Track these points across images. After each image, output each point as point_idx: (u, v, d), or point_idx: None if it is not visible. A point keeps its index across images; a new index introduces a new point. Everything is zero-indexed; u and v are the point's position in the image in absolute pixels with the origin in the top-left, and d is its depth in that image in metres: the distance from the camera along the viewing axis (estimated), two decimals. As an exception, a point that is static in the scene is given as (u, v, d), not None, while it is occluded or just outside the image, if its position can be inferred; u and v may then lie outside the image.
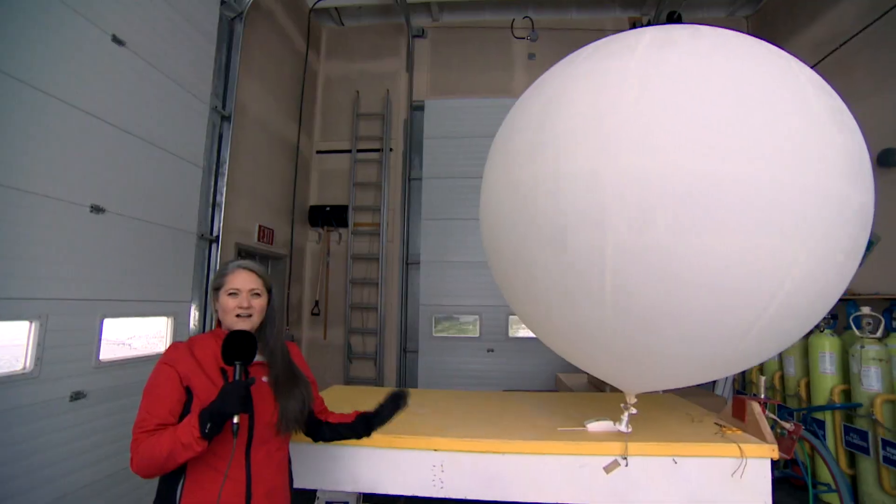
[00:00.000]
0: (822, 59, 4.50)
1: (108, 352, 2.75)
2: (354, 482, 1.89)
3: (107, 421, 2.68)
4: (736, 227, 1.27)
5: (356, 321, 5.83)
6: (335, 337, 5.84)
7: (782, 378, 4.35)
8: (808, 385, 3.97)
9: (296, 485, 1.90)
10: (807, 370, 3.99)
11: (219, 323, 1.38)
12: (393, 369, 5.74)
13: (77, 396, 2.53)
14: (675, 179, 1.26)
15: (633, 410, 1.89)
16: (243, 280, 1.34)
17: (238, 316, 1.31)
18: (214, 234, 3.69)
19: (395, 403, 1.58)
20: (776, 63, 1.41)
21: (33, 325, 2.34)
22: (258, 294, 1.36)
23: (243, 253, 4.49)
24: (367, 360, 5.77)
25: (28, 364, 2.32)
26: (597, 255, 1.38)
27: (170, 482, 1.21)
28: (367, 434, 1.59)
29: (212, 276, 1.36)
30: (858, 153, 1.43)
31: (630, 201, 1.30)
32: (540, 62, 6.09)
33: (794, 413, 4.00)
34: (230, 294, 1.32)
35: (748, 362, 1.70)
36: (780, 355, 4.38)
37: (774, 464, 4.18)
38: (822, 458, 2.72)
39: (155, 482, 1.27)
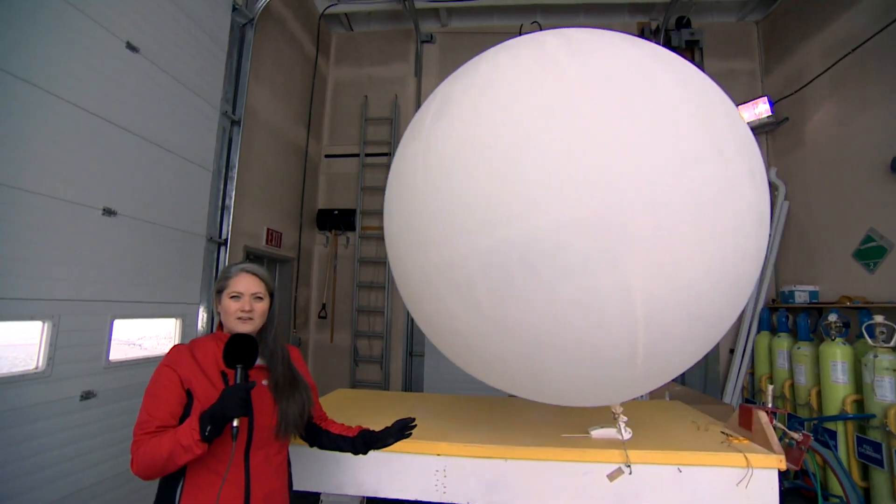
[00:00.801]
0: (834, 63, 4.45)
1: (118, 352, 2.80)
2: (358, 486, 1.89)
3: (116, 421, 2.72)
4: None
5: (363, 325, 5.85)
6: (342, 340, 5.86)
7: (793, 387, 4.28)
8: (819, 394, 3.91)
9: (300, 487, 1.92)
10: (818, 379, 3.93)
11: (220, 325, 1.39)
12: (399, 373, 5.75)
13: (87, 396, 2.57)
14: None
15: (625, 418, 1.87)
16: (246, 284, 1.35)
17: (240, 319, 1.32)
18: (223, 237, 3.73)
19: (400, 433, 1.55)
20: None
21: (46, 325, 2.39)
22: (260, 298, 1.37)
23: (251, 256, 4.53)
24: (374, 363, 5.78)
25: (40, 363, 2.37)
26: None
27: (169, 484, 1.22)
28: (364, 452, 1.56)
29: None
30: None
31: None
32: (548, 67, 6.09)
33: (805, 423, 3.93)
34: (232, 297, 1.33)
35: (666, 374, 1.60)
36: (791, 363, 4.32)
37: (784, 475, 4.12)
38: (832, 469, 2.67)
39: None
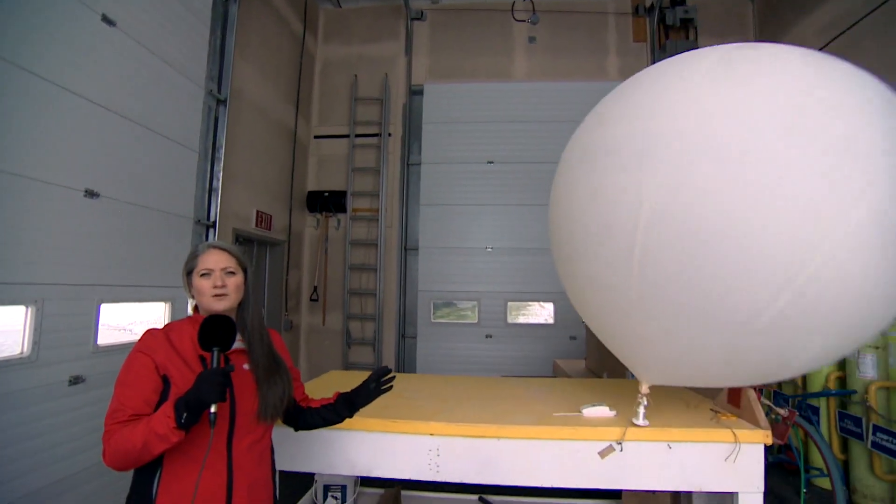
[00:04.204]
0: (828, 43, 4.43)
1: (108, 337, 2.76)
2: (351, 466, 1.90)
3: (105, 406, 2.66)
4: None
5: (355, 307, 5.85)
6: (334, 322, 5.86)
7: (778, 365, 4.38)
8: (803, 372, 4.00)
9: (294, 469, 1.92)
10: (803, 357, 4.01)
11: (195, 308, 1.33)
12: (392, 355, 5.78)
13: (76, 381, 2.54)
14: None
15: (645, 402, 1.85)
16: (215, 259, 1.28)
17: (215, 296, 1.26)
18: (211, 219, 3.67)
19: (378, 387, 1.51)
20: None
21: (30, 309, 2.34)
22: (232, 272, 1.29)
23: (241, 238, 4.47)
24: (366, 345, 5.80)
25: (25, 348, 2.33)
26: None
27: (145, 474, 1.16)
28: (350, 415, 1.52)
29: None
30: None
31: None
32: (540, 45, 5.99)
33: (790, 399, 4.03)
34: (203, 275, 1.26)
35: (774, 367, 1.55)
36: (777, 342, 4.40)
37: (768, 449, 4.23)
38: (816, 443, 2.75)
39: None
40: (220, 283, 1.26)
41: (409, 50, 6.08)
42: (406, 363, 5.89)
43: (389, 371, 1.53)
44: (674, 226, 1.34)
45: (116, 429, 1.10)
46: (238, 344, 1.29)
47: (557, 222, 1.85)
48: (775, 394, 4.30)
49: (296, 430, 1.55)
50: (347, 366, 5.70)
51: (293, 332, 5.66)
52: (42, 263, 2.38)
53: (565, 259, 1.86)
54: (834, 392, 3.62)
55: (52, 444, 2.39)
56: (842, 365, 3.64)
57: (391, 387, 1.55)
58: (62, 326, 2.48)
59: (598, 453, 1.82)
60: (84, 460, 2.57)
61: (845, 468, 3.55)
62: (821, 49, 4.51)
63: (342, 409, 1.50)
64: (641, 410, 1.82)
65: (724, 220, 1.27)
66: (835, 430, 3.61)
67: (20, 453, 2.23)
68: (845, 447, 3.56)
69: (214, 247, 1.31)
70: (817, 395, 3.72)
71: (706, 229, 1.29)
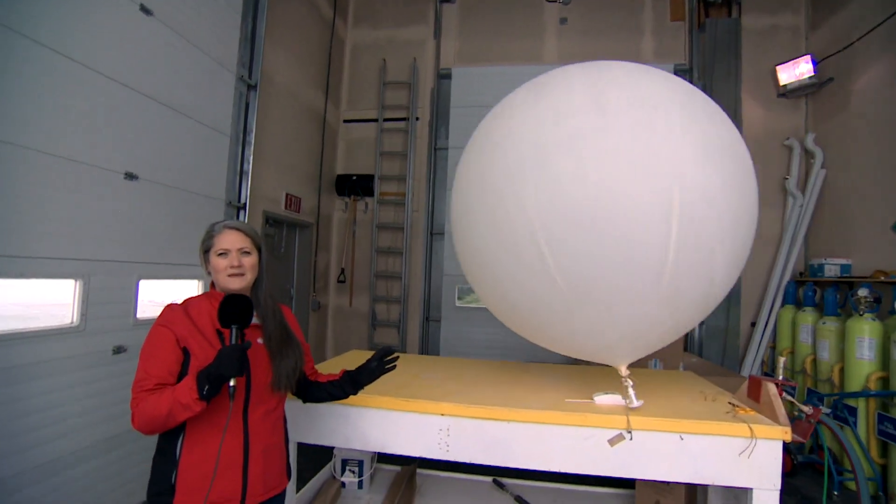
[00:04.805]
0: (889, 17, 4.07)
1: (146, 311, 2.95)
2: (364, 441, 1.97)
3: (145, 374, 2.90)
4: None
5: (381, 289, 5.96)
6: (360, 304, 6.01)
7: (815, 362, 4.18)
8: (841, 371, 3.81)
9: (312, 441, 2.01)
10: (842, 355, 3.82)
11: (212, 284, 1.40)
12: (416, 337, 5.88)
13: (119, 350, 2.74)
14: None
15: (631, 382, 1.87)
16: (232, 240, 1.33)
17: (231, 275, 1.32)
18: (242, 201, 3.81)
19: (382, 365, 1.56)
20: None
21: (78, 283, 2.53)
22: (248, 252, 1.35)
23: (270, 220, 4.62)
24: (391, 327, 5.92)
25: (75, 318, 2.53)
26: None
27: (170, 438, 1.25)
28: (355, 391, 1.59)
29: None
30: None
31: None
32: (572, 27, 5.80)
33: (825, 398, 3.86)
34: (220, 254, 1.33)
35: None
36: (814, 339, 4.20)
37: (798, 449, 4.08)
38: (841, 443, 2.63)
39: None
40: (236, 262, 1.33)
41: (437, 33, 6.02)
42: (430, 346, 5.98)
43: (392, 351, 1.58)
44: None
45: (143, 397, 1.18)
46: (254, 320, 1.36)
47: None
48: (810, 391, 4.13)
49: (304, 402, 1.63)
50: (372, 346, 5.84)
51: (321, 313, 5.85)
52: (87, 241, 2.55)
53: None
54: (874, 393, 3.44)
55: (100, 406, 2.60)
56: (885, 364, 3.44)
57: (395, 366, 1.59)
58: (106, 300, 2.67)
59: (608, 441, 1.82)
60: (125, 423, 2.78)
61: (883, 473, 3.39)
62: (879, 25, 4.16)
63: (346, 386, 1.57)
64: (631, 392, 1.82)
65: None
66: (873, 433, 3.44)
67: (68, 413, 2.44)
68: (885, 451, 3.39)
69: (230, 227, 1.37)
70: (856, 395, 3.54)
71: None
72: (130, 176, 2.79)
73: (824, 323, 4.06)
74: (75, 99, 2.45)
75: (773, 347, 4.91)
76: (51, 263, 2.37)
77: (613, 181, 1.49)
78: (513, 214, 1.61)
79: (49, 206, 2.34)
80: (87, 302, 2.56)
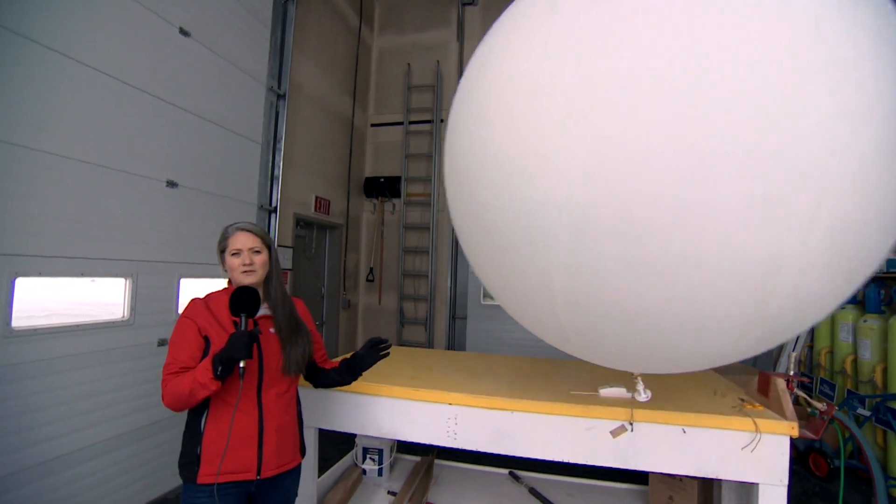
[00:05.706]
0: None
1: (187, 307, 3.22)
2: (378, 428, 2.10)
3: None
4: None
5: (408, 288, 6.12)
6: (389, 302, 6.19)
7: (855, 362, 3.98)
8: (885, 371, 3.62)
9: (332, 427, 2.16)
10: (885, 355, 3.62)
11: (230, 281, 1.58)
12: (443, 334, 6.00)
13: (163, 343, 3.00)
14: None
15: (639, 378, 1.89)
16: (243, 240, 1.51)
17: (244, 272, 1.49)
18: (273, 205, 4.05)
19: (375, 353, 1.70)
20: None
21: (127, 281, 2.81)
22: (258, 251, 1.52)
23: (301, 223, 4.86)
24: (419, 325, 6.07)
25: (126, 313, 2.81)
26: None
27: (196, 415, 1.45)
28: (354, 378, 1.74)
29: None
30: None
31: None
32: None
33: (867, 400, 3.67)
34: (233, 254, 1.50)
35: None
36: (855, 337, 4.00)
37: (836, 452, 3.87)
38: (858, 442, 2.53)
39: None
40: (248, 261, 1.50)
41: (460, 35, 6.11)
42: (457, 342, 6.09)
43: (384, 340, 1.72)
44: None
45: (170, 378, 1.38)
46: (265, 311, 1.53)
47: None
48: (849, 393, 3.93)
49: (315, 386, 1.79)
50: (401, 343, 6.01)
51: (351, 311, 6.07)
52: (134, 243, 2.83)
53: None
54: (917, 394, 3.25)
55: (150, 392, 2.87)
56: (931, 365, 3.24)
57: (388, 353, 1.73)
58: (151, 297, 2.94)
59: (610, 432, 1.86)
60: (165, 411, 3.06)
61: (929, 479, 3.20)
62: None
63: (344, 373, 1.72)
64: (640, 386, 1.83)
65: None
66: (916, 436, 3.25)
67: (118, 399, 2.73)
68: (929, 456, 3.20)
69: (242, 229, 1.54)
70: (898, 396, 3.36)
71: None
72: (171, 184, 3.06)
73: (866, 321, 3.86)
74: (122, 115, 2.73)
75: (810, 347, 4.69)
76: (105, 264, 2.66)
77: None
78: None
79: (102, 212, 2.63)
80: (136, 298, 2.84)
